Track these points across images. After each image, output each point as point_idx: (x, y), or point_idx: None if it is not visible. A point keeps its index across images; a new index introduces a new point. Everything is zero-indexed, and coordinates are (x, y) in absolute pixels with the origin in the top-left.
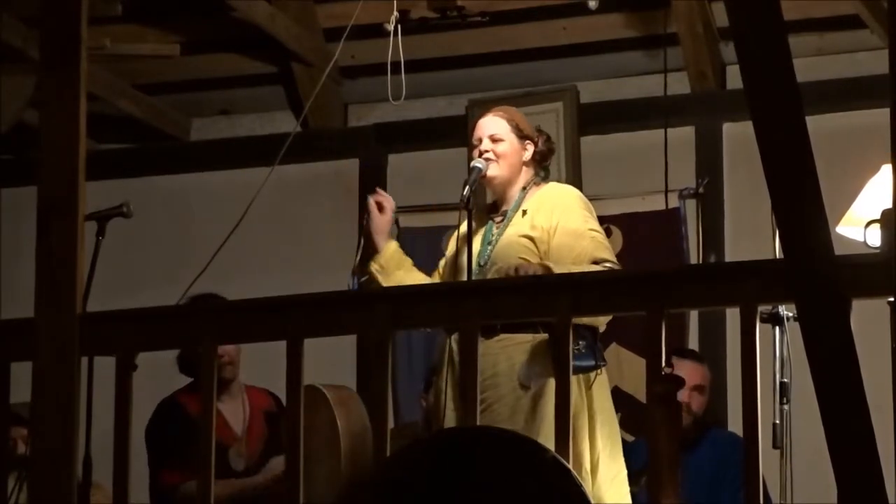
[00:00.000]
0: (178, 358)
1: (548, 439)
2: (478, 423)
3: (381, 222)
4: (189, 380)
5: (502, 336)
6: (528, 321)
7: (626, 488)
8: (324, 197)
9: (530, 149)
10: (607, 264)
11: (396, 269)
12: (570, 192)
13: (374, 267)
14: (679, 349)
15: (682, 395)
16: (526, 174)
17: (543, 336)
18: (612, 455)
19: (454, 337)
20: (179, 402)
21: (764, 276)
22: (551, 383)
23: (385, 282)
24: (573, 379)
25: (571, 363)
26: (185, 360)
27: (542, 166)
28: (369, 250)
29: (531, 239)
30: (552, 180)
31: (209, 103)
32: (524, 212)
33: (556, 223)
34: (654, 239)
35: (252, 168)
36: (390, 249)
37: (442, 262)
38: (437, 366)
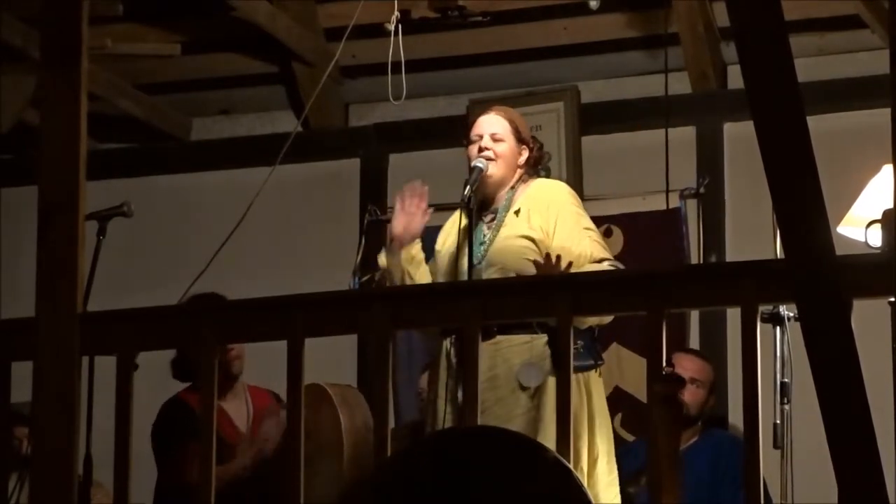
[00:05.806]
0: (174, 363)
1: (549, 440)
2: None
3: (418, 224)
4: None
5: (498, 338)
6: (524, 322)
7: (618, 494)
8: (324, 197)
9: (525, 154)
10: (607, 263)
11: (419, 267)
12: (562, 188)
13: (404, 257)
14: (688, 349)
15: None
16: (517, 177)
17: (541, 336)
18: (609, 461)
19: (450, 339)
20: (185, 401)
21: (764, 276)
22: (551, 384)
23: (415, 274)
24: (572, 378)
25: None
26: (181, 364)
27: (533, 171)
28: (393, 245)
29: (532, 240)
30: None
31: (210, 103)
32: (517, 211)
33: (554, 224)
34: (654, 239)
35: (252, 168)
36: (417, 246)
37: (431, 262)
38: (434, 368)
